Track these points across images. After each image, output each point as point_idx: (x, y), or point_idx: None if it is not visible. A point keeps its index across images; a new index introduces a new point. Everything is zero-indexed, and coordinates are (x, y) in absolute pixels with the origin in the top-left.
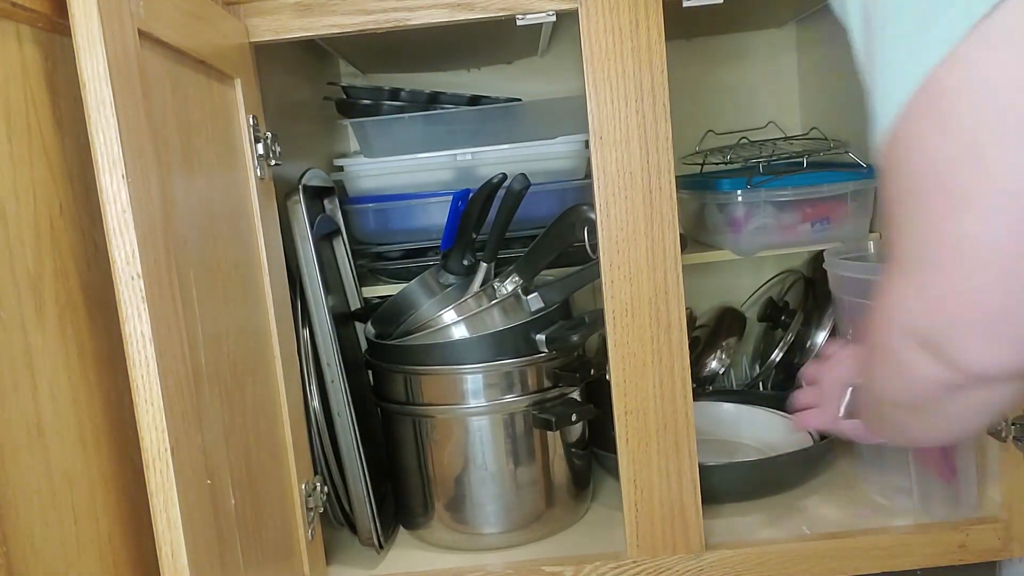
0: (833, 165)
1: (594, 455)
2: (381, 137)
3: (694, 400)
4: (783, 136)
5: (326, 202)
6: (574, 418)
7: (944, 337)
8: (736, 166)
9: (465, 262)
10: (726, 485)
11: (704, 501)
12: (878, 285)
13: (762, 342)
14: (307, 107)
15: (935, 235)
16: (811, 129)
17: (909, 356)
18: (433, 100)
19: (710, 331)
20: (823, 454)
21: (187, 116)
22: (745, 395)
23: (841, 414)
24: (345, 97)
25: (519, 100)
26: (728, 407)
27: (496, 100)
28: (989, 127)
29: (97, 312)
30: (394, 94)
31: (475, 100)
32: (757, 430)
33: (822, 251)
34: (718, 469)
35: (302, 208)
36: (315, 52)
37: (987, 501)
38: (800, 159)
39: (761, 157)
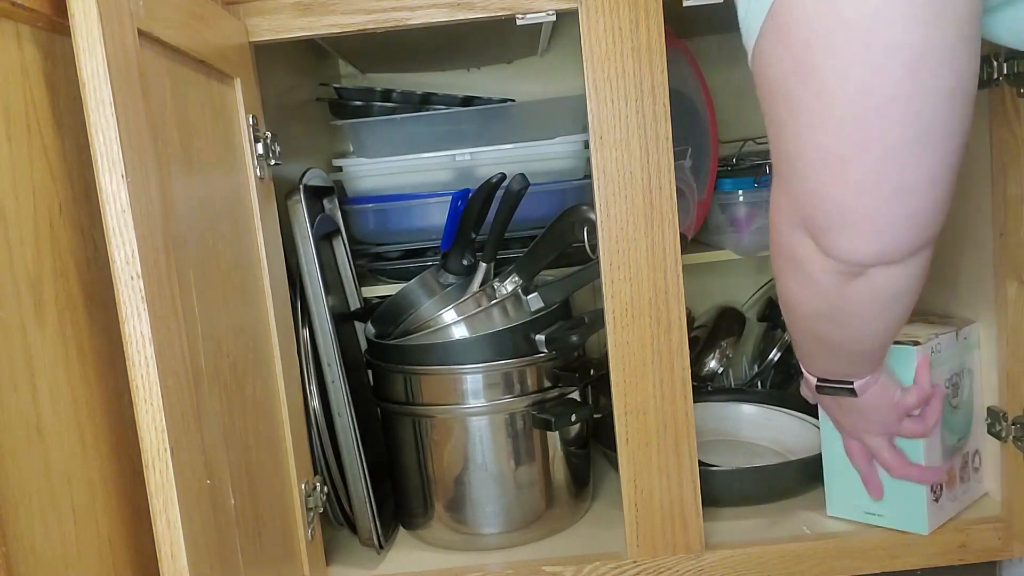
0: None
1: (603, 454)
2: (373, 138)
3: (694, 400)
4: None
5: (326, 202)
6: (574, 418)
7: (816, 230)
8: (743, 165)
9: (465, 262)
10: (729, 490)
11: (705, 504)
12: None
13: (762, 342)
14: (307, 107)
15: (783, 141)
16: None
17: (799, 247)
18: (425, 101)
19: (710, 331)
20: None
21: (187, 116)
22: (744, 394)
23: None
24: (337, 98)
25: (512, 101)
26: (728, 407)
27: (489, 101)
28: (820, 38)
29: (97, 312)
30: (385, 95)
31: (468, 101)
32: (757, 429)
33: None
34: (720, 475)
35: (302, 208)
36: (315, 52)
37: (987, 501)
38: None
39: (768, 158)
